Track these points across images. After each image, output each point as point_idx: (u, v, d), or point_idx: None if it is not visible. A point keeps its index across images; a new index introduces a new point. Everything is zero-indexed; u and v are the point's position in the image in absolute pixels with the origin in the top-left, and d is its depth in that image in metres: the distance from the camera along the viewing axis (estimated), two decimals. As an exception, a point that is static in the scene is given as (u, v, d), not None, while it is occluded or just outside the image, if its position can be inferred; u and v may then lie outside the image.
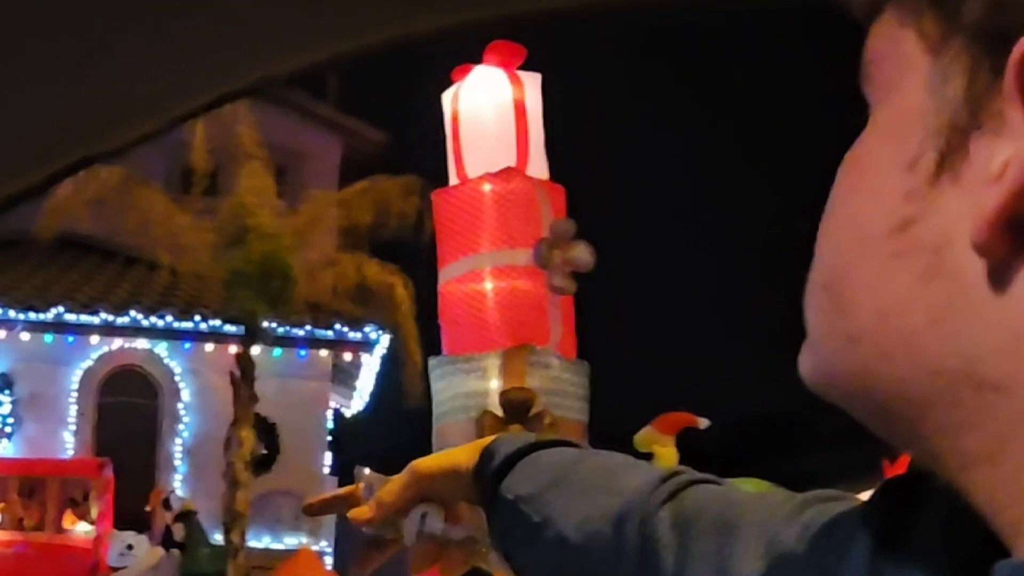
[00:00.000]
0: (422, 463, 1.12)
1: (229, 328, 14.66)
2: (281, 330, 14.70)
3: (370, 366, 15.69)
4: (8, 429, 14.53)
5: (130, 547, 12.12)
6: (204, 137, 11.76)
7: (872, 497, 0.65)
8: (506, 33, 13.70)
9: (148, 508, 12.72)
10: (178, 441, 14.85)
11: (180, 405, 14.87)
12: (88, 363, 14.80)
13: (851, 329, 0.51)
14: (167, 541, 10.77)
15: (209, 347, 14.75)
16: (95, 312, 14.34)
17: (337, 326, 14.59)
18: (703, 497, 0.85)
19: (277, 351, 14.73)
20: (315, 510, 1.24)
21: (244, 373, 11.75)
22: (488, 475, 1.03)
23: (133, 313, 14.55)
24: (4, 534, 13.11)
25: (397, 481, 1.12)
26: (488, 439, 1.08)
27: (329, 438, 15.68)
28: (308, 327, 14.65)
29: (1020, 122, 0.44)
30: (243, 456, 11.37)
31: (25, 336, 14.45)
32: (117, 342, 14.68)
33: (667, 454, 10.30)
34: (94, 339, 14.62)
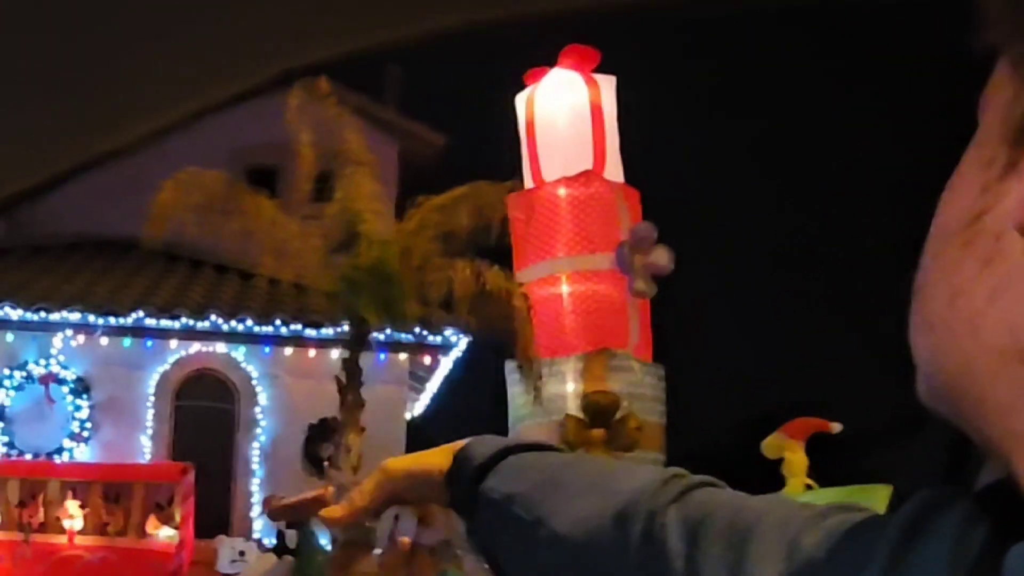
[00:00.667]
0: (394, 463, 1.11)
1: (309, 332, 14.61)
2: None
3: (443, 369, 15.60)
4: (86, 433, 14.51)
5: (242, 553, 12.10)
6: (312, 142, 11.62)
7: (894, 507, 0.66)
8: (579, 36, 13.54)
9: (265, 512, 12.68)
10: (255, 445, 14.79)
11: (258, 409, 14.81)
12: (165, 367, 14.77)
13: (928, 314, 0.55)
14: (279, 548, 10.68)
15: (288, 351, 14.68)
16: (175, 316, 14.31)
17: (417, 329, 14.51)
18: (711, 500, 0.85)
19: (356, 355, 14.67)
20: (279, 514, 1.22)
21: (351, 379, 11.67)
22: (466, 476, 1.01)
23: (213, 317, 14.51)
24: (88, 539, 13.11)
25: (369, 481, 1.11)
26: (460, 443, 1.05)
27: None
28: (388, 331, 14.58)
29: None
30: (351, 461, 11.30)
31: (104, 340, 14.43)
32: (194, 346, 14.64)
33: (797, 460, 10.15)
34: (173, 343, 14.58)
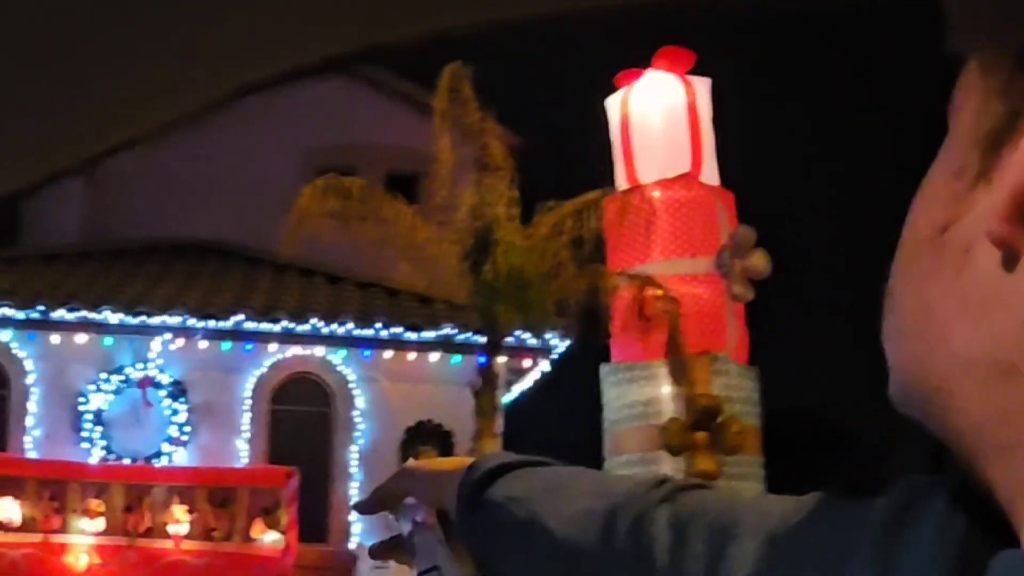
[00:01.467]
0: (413, 463, 1.20)
1: (409, 335, 14.56)
2: (461, 337, 14.58)
3: (538, 371, 15.52)
4: (184, 438, 14.49)
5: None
6: (449, 145, 11.55)
7: (879, 496, 0.66)
8: (674, 39, 13.42)
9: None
10: (353, 448, 14.74)
11: (355, 412, 14.76)
12: (261, 371, 14.73)
13: (901, 323, 0.56)
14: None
15: (388, 354, 14.62)
16: (275, 319, 14.27)
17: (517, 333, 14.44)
18: (700, 500, 0.86)
19: (456, 358, 14.59)
20: (365, 507, 1.24)
21: (487, 384, 11.59)
22: (474, 480, 1.05)
23: (314, 320, 14.47)
24: (192, 544, 13.11)
25: (390, 477, 1.19)
26: (472, 458, 1.11)
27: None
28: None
29: None
30: None
31: (203, 344, 14.41)
32: (291, 349, 14.60)
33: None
34: (272, 346, 14.55)
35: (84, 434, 14.27)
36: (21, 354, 14.37)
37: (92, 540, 13.16)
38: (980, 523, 0.55)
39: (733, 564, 0.76)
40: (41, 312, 14.06)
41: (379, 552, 1.23)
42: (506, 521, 1.00)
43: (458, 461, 1.11)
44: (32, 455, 14.09)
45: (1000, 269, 0.51)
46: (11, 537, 13.01)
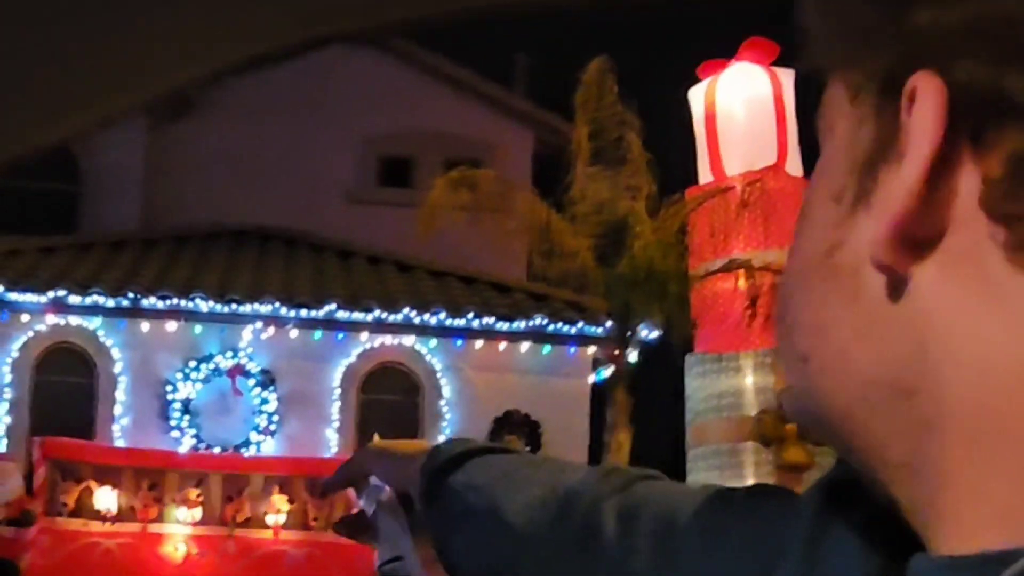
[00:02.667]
0: (377, 442, 1.22)
1: (502, 326, 14.52)
2: (551, 327, 14.55)
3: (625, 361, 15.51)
4: (272, 427, 14.41)
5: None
6: (587, 136, 11.50)
7: (809, 492, 0.68)
8: (761, 30, 13.41)
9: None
10: (441, 438, 14.61)
11: (442, 402, 14.71)
12: (350, 360, 14.65)
13: (800, 349, 0.56)
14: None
15: (478, 344, 14.58)
16: (368, 309, 14.19)
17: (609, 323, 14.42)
18: (649, 491, 0.88)
19: (546, 348, 14.57)
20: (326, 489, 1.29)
21: (618, 376, 11.55)
22: (434, 469, 1.07)
23: (406, 310, 14.41)
24: (293, 534, 13.04)
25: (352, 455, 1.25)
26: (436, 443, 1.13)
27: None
28: (580, 324, 14.49)
29: (908, 151, 0.50)
30: (621, 460, 11.17)
31: (293, 333, 14.33)
32: (379, 339, 14.52)
33: None
34: (363, 336, 14.48)
35: (173, 423, 14.16)
36: (108, 342, 14.26)
37: (189, 530, 13.07)
38: (897, 527, 0.56)
39: (676, 557, 0.78)
40: (131, 300, 13.94)
41: (342, 528, 1.24)
42: (464, 509, 1.02)
43: (419, 445, 1.14)
44: (120, 444, 13.99)
45: (889, 294, 0.52)
46: (108, 527, 12.92)
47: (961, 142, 0.50)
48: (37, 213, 17.86)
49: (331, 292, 14.58)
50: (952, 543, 0.51)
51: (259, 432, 14.32)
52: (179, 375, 14.22)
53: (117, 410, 14.24)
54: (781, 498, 0.76)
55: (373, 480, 1.17)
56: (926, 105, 0.50)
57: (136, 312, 14.02)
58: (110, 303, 13.94)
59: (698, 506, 0.81)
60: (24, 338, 14.15)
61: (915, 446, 0.52)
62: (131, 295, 13.94)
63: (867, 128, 0.54)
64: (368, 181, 19.27)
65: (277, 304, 14.14)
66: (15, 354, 14.15)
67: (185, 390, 14.20)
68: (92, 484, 12.88)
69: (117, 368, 14.27)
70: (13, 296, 13.78)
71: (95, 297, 13.90)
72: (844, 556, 0.61)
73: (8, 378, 14.12)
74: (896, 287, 0.52)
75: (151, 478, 13.10)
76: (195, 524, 13.07)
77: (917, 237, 0.51)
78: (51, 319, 14.09)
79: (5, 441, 14.13)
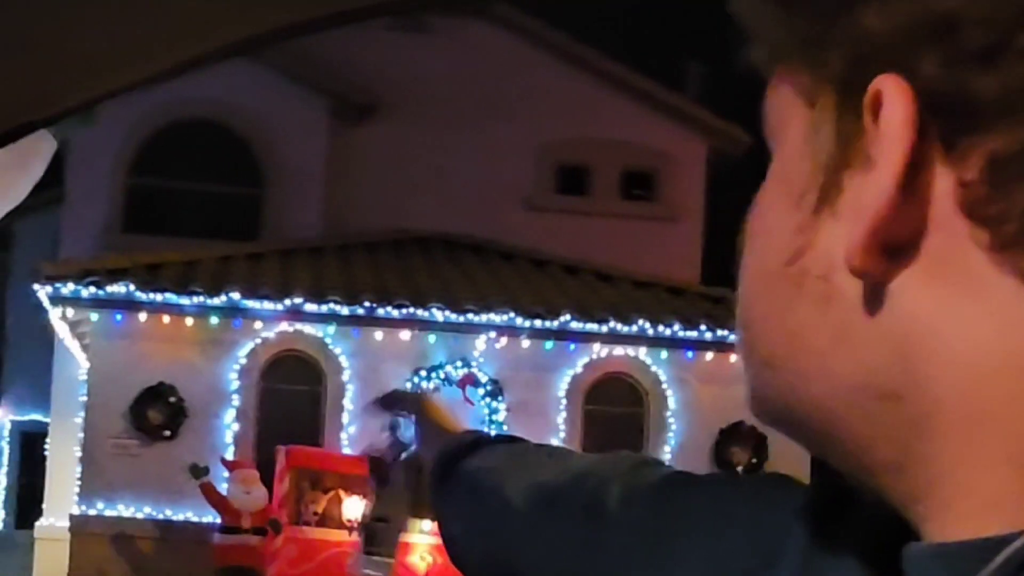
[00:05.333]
0: (432, 402, 1.37)
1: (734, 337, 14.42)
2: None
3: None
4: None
5: None
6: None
7: (809, 487, 0.69)
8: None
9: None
10: (666, 449, 14.61)
11: (668, 413, 14.63)
12: (576, 370, 14.59)
13: (765, 355, 0.56)
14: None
15: (708, 356, 14.49)
16: (603, 320, 14.13)
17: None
18: (656, 474, 0.87)
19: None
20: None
21: None
22: (451, 452, 1.12)
23: (640, 321, 14.34)
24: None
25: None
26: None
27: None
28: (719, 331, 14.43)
29: (877, 155, 0.49)
30: None
31: (525, 343, 14.27)
32: (607, 349, 14.45)
33: None
34: (595, 346, 14.41)
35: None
36: (336, 350, 14.23)
37: (433, 540, 13.01)
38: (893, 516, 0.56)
39: (676, 541, 0.78)
40: (366, 308, 13.91)
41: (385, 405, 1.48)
42: (471, 489, 1.05)
43: (453, 425, 1.23)
44: (346, 452, 13.94)
45: (866, 300, 0.51)
46: (354, 537, 12.88)
47: (932, 146, 0.49)
48: (219, 217, 17.90)
49: (563, 303, 14.51)
50: (947, 532, 0.51)
51: (488, 440, 14.25)
52: (408, 384, 14.16)
53: (345, 418, 14.20)
54: (787, 490, 0.75)
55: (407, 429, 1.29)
56: (894, 110, 0.49)
57: (370, 321, 13.97)
58: (344, 311, 13.90)
59: (703, 492, 0.81)
60: (252, 345, 14.14)
61: (903, 446, 0.52)
62: (366, 304, 13.89)
63: (826, 131, 0.53)
64: (545, 188, 19.21)
65: (512, 314, 14.06)
66: (243, 361, 14.14)
67: (414, 399, 14.14)
68: (342, 493, 12.83)
69: (345, 376, 14.24)
70: (250, 303, 13.75)
71: (331, 305, 13.86)
72: (842, 558, 0.61)
73: (235, 385, 14.11)
74: (874, 293, 0.51)
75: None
76: (435, 534, 13.00)
77: (893, 242, 0.50)
78: (278, 327, 14.07)
79: (232, 448, 14.13)
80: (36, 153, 5.70)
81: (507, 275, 15.88)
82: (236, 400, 14.09)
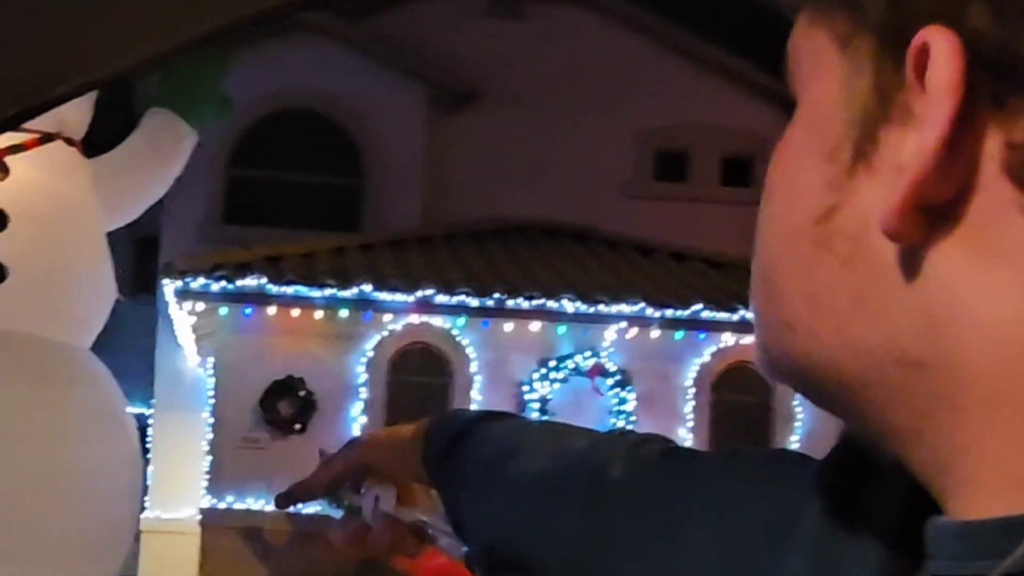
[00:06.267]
0: (367, 433, 1.25)
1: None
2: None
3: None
4: (629, 427, 14.28)
5: None
6: None
7: (825, 459, 0.67)
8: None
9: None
10: (793, 439, 14.54)
11: (795, 403, 14.52)
12: (703, 360, 14.51)
13: (785, 316, 0.54)
14: None
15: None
16: (733, 309, 14.03)
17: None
18: (657, 452, 0.86)
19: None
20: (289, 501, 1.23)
21: None
22: (441, 442, 1.07)
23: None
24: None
25: (340, 451, 1.19)
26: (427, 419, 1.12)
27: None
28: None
29: (922, 112, 0.47)
30: None
31: (655, 333, 14.19)
32: (736, 338, 14.34)
33: None
34: (726, 336, 14.33)
35: (533, 423, 14.06)
36: (464, 341, 14.17)
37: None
38: (911, 487, 0.54)
39: (683, 517, 0.76)
40: (496, 300, 13.84)
41: (343, 540, 1.20)
42: (470, 480, 1.02)
43: (410, 428, 1.13)
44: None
45: (899, 264, 0.49)
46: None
47: (979, 105, 0.46)
48: (319, 208, 17.84)
49: (691, 292, 14.42)
50: (971, 508, 0.49)
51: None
52: (536, 375, 14.10)
53: (472, 410, 14.15)
54: (800, 465, 0.73)
55: (366, 489, 1.15)
56: (943, 66, 0.46)
57: (500, 312, 13.90)
58: (474, 303, 13.84)
59: (710, 471, 0.80)
60: (378, 337, 14.09)
61: (923, 414, 0.50)
62: (496, 295, 13.83)
63: (863, 82, 0.50)
64: (644, 175, 19.12)
65: (643, 304, 13.98)
66: (370, 354, 14.09)
67: (542, 390, 14.08)
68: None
69: (473, 368, 14.18)
70: (382, 295, 13.69)
71: (462, 297, 13.80)
72: (858, 534, 0.60)
73: (363, 378, 14.06)
74: (907, 257, 0.49)
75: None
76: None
77: (932, 204, 0.48)
78: (405, 319, 14.01)
79: (360, 441, 14.07)
80: (176, 148, 5.54)
81: (618, 264, 15.79)
82: (364, 393, 14.04)
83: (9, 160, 5.96)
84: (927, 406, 0.50)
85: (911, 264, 0.49)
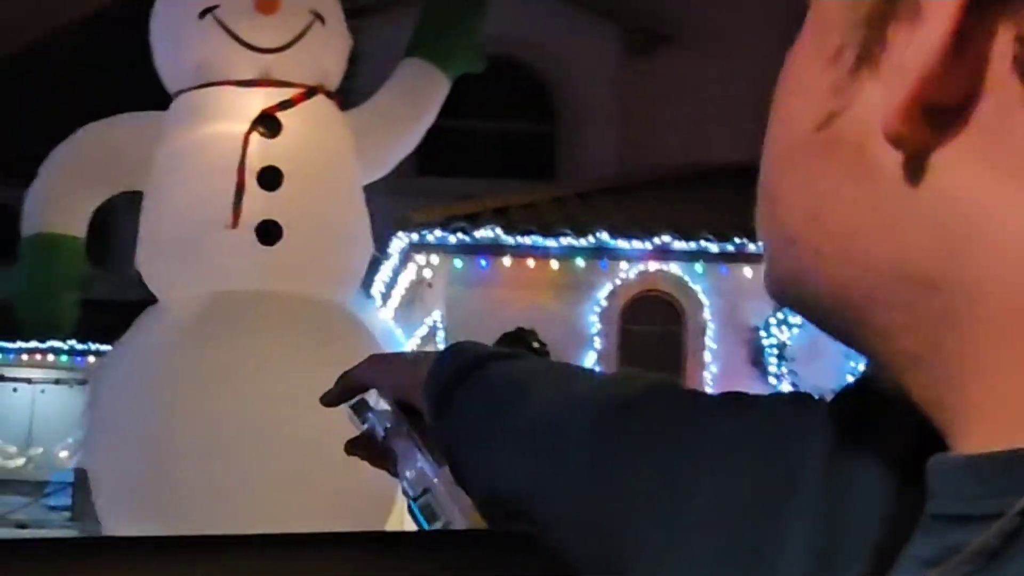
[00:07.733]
0: (384, 352, 1.31)
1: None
2: None
3: None
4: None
5: None
6: None
7: (831, 401, 0.66)
8: None
9: None
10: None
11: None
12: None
13: (788, 232, 0.51)
14: None
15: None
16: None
17: None
18: (668, 392, 0.85)
19: None
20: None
21: None
22: (442, 378, 1.03)
23: None
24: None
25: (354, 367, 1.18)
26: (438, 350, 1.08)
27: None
28: None
29: (929, 9, 0.44)
30: None
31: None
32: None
33: None
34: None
35: (772, 369, 13.82)
36: (696, 288, 13.94)
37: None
38: (914, 425, 0.52)
39: (689, 478, 0.73)
40: (736, 245, 13.60)
41: (356, 451, 1.17)
42: (474, 423, 0.99)
43: (424, 354, 1.09)
44: (709, 391, 13.68)
45: (905, 172, 0.46)
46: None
47: None
48: (512, 157, 17.66)
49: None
50: (977, 440, 0.46)
51: (853, 375, 13.91)
52: (773, 320, 13.83)
53: (707, 357, 13.92)
54: (808, 406, 0.71)
55: (372, 401, 1.14)
56: None
57: (737, 257, 13.65)
58: (714, 248, 13.59)
59: (717, 418, 0.76)
60: (611, 287, 13.90)
61: (928, 338, 0.47)
62: (736, 240, 13.57)
63: None
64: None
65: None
66: (603, 303, 13.91)
67: (780, 335, 13.82)
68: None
69: (707, 314, 13.94)
70: (620, 243, 13.49)
71: (701, 242, 13.56)
72: (867, 470, 0.58)
73: (596, 328, 13.89)
74: (912, 165, 0.46)
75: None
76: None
77: (939, 106, 0.44)
78: (635, 268, 13.80)
79: (594, 392, 13.95)
80: (431, 98, 5.32)
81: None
82: (598, 343, 13.87)
83: (280, 116, 5.80)
84: (934, 329, 0.47)
85: (917, 172, 0.46)
